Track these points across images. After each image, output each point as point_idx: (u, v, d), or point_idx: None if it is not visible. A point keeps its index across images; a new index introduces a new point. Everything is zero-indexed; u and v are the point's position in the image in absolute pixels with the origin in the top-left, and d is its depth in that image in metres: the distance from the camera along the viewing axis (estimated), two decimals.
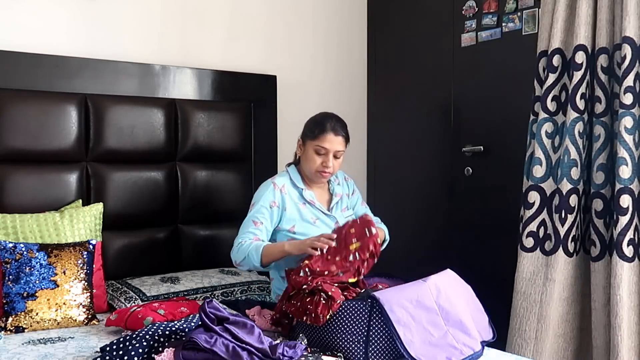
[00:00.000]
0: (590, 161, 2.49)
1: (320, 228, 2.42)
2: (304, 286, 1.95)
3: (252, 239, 2.32)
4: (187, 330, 1.84)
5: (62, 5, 2.67)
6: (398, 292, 1.90)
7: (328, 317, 1.86)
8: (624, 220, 2.32)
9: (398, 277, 2.27)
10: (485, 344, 1.98)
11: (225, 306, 2.28)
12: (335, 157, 2.40)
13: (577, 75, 2.46)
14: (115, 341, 1.77)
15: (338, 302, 1.87)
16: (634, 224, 2.34)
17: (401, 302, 1.85)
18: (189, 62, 3.00)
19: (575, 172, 2.47)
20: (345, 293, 1.96)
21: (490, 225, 3.03)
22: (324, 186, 2.54)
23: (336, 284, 1.98)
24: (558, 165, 2.51)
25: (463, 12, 3.12)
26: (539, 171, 2.56)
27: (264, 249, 2.25)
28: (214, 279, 2.65)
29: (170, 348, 1.70)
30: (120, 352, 1.72)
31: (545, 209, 2.56)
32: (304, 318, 1.88)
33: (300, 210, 2.43)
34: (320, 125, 2.40)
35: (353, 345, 1.83)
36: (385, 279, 2.27)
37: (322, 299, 1.87)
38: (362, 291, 2.03)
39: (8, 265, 2.18)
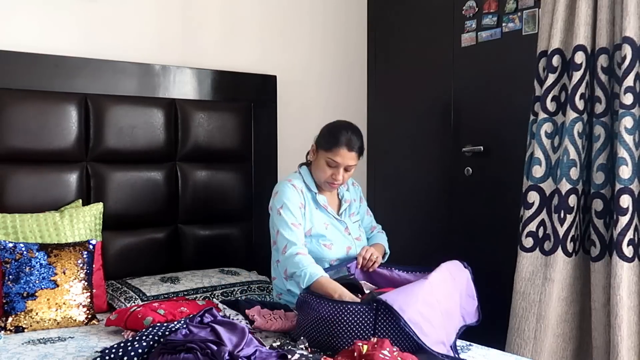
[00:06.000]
0: (590, 161, 2.49)
1: (331, 233, 2.41)
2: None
3: (303, 252, 2.22)
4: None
5: (62, 5, 2.67)
6: (402, 293, 1.91)
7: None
8: (623, 220, 2.32)
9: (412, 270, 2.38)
10: (465, 327, 2.06)
11: (225, 306, 2.28)
12: (346, 170, 2.37)
13: (577, 75, 2.46)
14: (115, 345, 1.77)
15: None
16: (633, 224, 2.34)
17: (408, 301, 1.86)
18: (188, 62, 3.00)
19: (574, 172, 2.47)
20: None
21: (489, 225, 3.02)
22: (333, 190, 2.52)
23: None
24: (557, 166, 2.51)
25: (463, 12, 3.12)
26: (538, 171, 2.56)
27: (317, 281, 2.11)
28: (214, 279, 2.65)
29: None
30: (120, 353, 1.72)
31: (545, 209, 2.56)
32: None
33: (313, 213, 2.40)
34: (334, 138, 2.34)
35: None
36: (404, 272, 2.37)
37: None
38: (368, 293, 2.03)
39: (8, 265, 2.18)
